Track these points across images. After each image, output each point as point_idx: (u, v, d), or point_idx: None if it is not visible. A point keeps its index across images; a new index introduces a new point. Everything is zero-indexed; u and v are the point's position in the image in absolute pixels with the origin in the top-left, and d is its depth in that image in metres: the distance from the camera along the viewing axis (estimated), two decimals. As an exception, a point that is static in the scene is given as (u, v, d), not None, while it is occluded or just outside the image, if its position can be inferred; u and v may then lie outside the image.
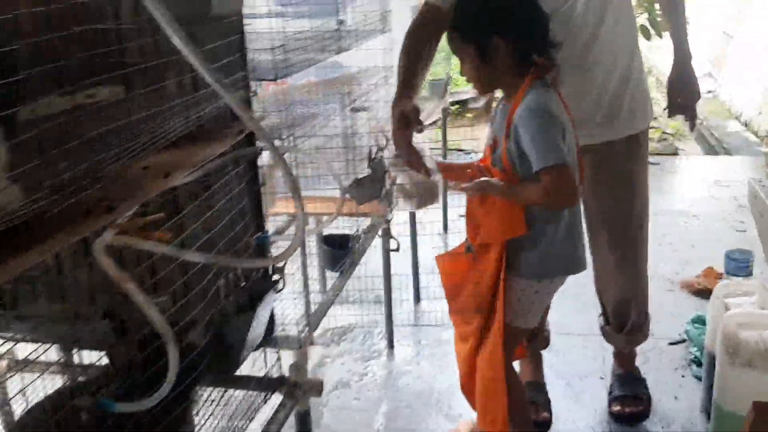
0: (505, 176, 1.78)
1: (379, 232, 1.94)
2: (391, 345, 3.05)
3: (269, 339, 1.76)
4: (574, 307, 3.08)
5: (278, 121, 1.82)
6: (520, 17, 1.74)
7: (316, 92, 2.99)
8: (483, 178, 1.80)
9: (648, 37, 4.96)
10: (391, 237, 1.94)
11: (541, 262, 1.85)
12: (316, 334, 3.10)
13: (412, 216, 3.38)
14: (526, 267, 1.85)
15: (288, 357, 1.91)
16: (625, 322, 2.45)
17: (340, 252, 2.52)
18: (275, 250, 1.82)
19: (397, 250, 2.54)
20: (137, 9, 1.03)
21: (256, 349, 1.67)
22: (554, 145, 1.67)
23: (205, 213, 1.29)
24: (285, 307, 2.13)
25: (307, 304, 2.14)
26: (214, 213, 1.33)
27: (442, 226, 4.25)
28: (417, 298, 3.46)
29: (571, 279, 1.95)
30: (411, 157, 1.95)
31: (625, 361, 2.57)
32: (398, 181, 2.13)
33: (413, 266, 3.41)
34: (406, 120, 1.92)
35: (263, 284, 1.48)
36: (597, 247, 2.37)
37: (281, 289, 1.54)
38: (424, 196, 2.15)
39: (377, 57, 2.95)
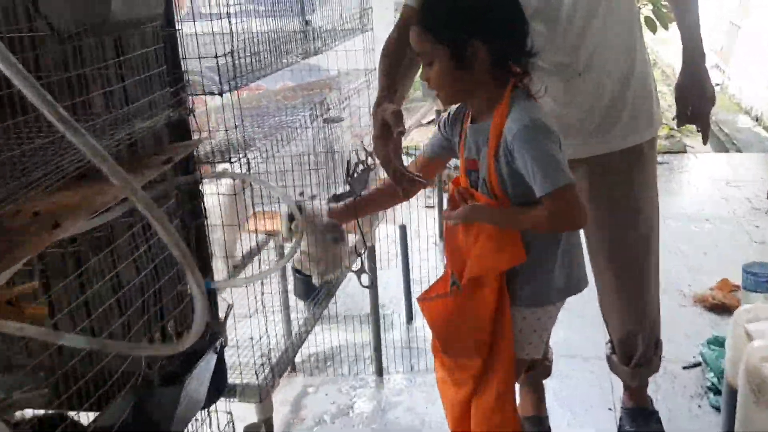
0: (495, 202, 1.54)
1: (353, 267, 1.70)
2: (380, 373, 2.80)
3: (222, 392, 1.52)
4: (579, 326, 2.85)
5: (229, 139, 1.58)
6: (503, 18, 1.50)
7: (293, 98, 2.75)
8: (471, 204, 1.57)
9: (654, 29, 4.71)
10: (364, 272, 1.70)
11: (541, 288, 1.65)
12: (298, 359, 2.86)
13: (403, 228, 3.12)
14: (526, 296, 1.64)
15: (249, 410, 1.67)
16: (632, 354, 2.20)
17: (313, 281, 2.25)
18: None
19: (370, 287, 2.29)
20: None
21: (204, 408, 1.43)
22: (558, 164, 1.47)
23: (116, 265, 1.05)
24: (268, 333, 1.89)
25: (269, 349, 1.90)
26: (132, 263, 1.08)
27: (437, 235, 4.01)
28: (409, 317, 3.21)
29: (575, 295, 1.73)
30: (388, 169, 1.72)
31: (635, 393, 2.32)
32: (302, 246, 1.95)
33: (405, 282, 3.16)
34: (388, 127, 1.69)
35: (200, 344, 1.23)
36: (598, 270, 2.11)
37: (223, 347, 1.31)
38: (328, 263, 1.99)
39: (359, 58, 2.72)
